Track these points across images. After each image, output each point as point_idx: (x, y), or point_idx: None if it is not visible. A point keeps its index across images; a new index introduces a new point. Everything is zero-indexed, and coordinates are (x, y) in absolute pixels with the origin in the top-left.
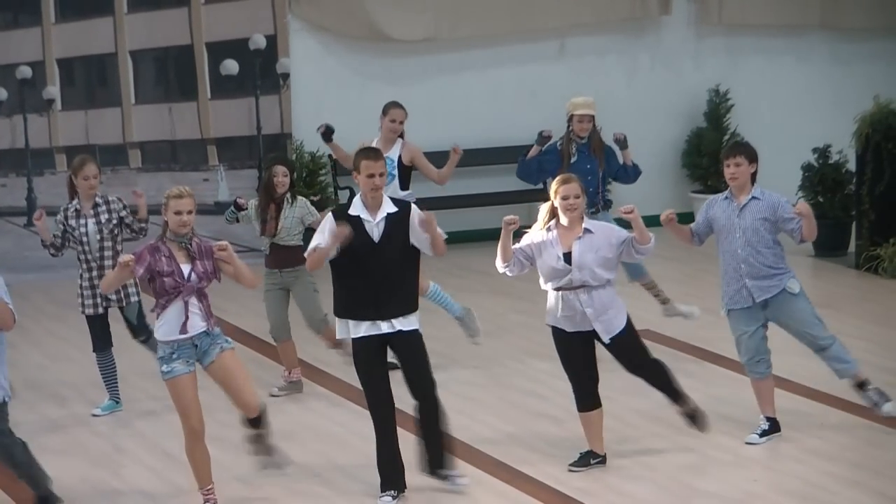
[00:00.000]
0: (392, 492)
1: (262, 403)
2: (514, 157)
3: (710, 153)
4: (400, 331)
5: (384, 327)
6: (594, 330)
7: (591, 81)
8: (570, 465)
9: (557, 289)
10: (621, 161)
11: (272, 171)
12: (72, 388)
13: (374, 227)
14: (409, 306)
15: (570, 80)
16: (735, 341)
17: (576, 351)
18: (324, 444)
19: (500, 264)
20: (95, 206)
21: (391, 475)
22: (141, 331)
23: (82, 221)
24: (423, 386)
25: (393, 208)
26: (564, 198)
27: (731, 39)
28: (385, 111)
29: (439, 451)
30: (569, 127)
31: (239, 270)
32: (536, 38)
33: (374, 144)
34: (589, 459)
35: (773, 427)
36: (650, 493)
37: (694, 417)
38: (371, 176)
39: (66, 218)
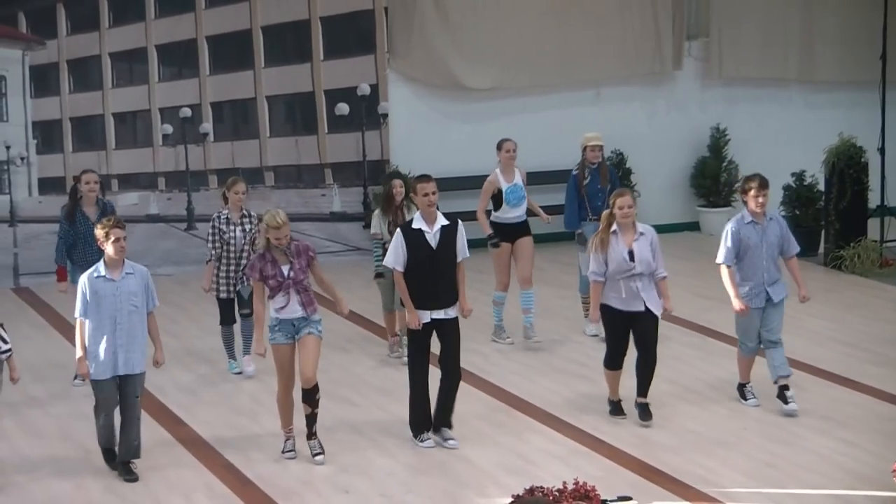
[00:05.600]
0: (425, 433)
1: (317, 385)
2: (559, 179)
3: (712, 176)
4: (446, 318)
5: (439, 315)
6: (637, 312)
7: (619, 122)
8: (610, 413)
9: (621, 277)
10: None
11: (391, 185)
12: (220, 354)
13: (432, 236)
14: (454, 298)
15: (603, 121)
16: (740, 326)
17: (620, 324)
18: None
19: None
20: (242, 216)
21: (423, 422)
22: (247, 305)
23: (232, 228)
24: (452, 362)
25: (446, 222)
26: (620, 207)
27: (728, 89)
28: (499, 146)
29: (447, 415)
30: (583, 156)
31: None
32: (578, 87)
33: (497, 175)
34: (620, 408)
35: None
36: (662, 437)
37: (644, 409)
38: (426, 195)
39: (218, 224)
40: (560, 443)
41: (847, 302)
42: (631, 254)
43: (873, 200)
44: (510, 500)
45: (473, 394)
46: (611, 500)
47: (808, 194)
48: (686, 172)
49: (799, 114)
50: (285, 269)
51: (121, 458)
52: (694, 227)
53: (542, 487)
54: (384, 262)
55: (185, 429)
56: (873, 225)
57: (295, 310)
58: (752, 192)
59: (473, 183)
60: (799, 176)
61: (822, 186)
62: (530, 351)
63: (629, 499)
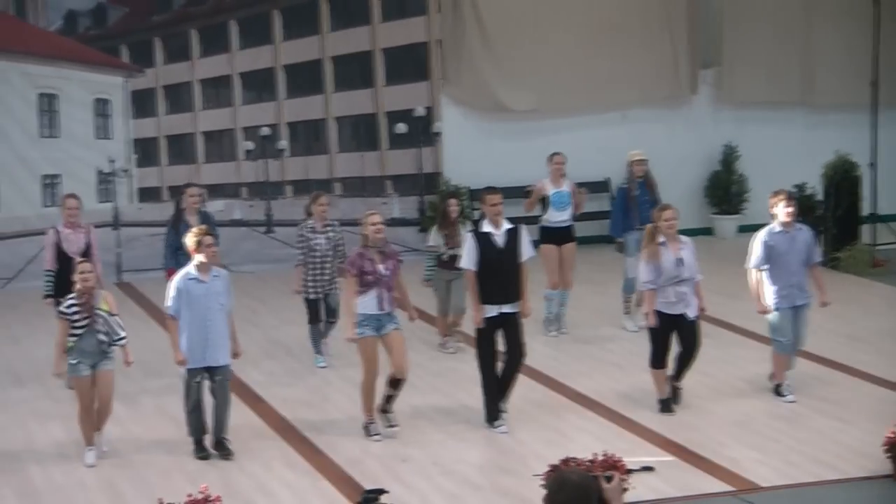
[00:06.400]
0: (498, 419)
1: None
2: (593, 189)
3: (723, 188)
4: (511, 312)
5: (505, 308)
6: (680, 315)
7: (643, 140)
8: (660, 411)
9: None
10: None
11: (447, 203)
12: (297, 344)
13: (499, 238)
14: (518, 294)
15: (629, 140)
16: (774, 325)
17: (666, 327)
18: (467, 381)
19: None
20: (326, 226)
21: (494, 408)
22: (334, 314)
23: (318, 236)
24: (515, 348)
25: (510, 226)
26: (666, 220)
27: (738, 112)
28: (550, 158)
29: (505, 394)
30: (629, 170)
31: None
32: (607, 110)
33: (546, 182)
34: (669, 405)
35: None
36: (683, 416)
37: (676, 392)
38: (494, 205)
39: (304, 233)
40: (593, 420)
41: (843, 298)
42: (680, 260)
43: (865, 209)
44: (548, 469)
45: (517, 378)
46: (635, 470)
47: (809, 203)
48: (701, 184)
49: (800, 133)
50: (381, 267)
51: (215, 434)
52: (708, 231)
53: (575, 458)
54: (460, 265)
55: (265, 406)
56: (866, 230)
57: (384, 306)
58: (782, 204)
59: (515, 192)
60: (800, 187)
61: (820, 196)
62: (568, 341)
63: (651, 469)
